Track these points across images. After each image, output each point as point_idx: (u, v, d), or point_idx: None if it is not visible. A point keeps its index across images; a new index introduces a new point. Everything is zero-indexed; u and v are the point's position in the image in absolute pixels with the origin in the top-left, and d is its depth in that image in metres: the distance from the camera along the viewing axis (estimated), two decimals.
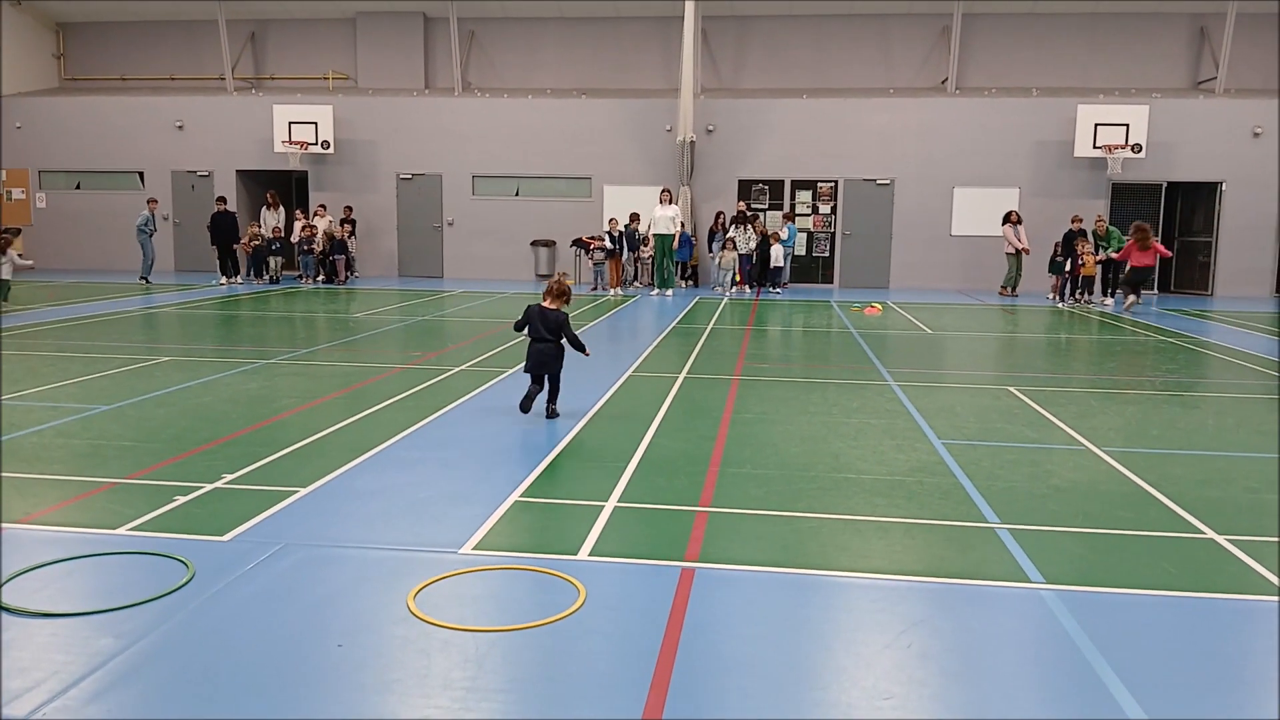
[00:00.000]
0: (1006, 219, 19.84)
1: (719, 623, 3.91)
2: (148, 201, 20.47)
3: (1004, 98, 21.55)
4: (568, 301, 7.67)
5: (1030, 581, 4.38)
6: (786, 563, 4.56)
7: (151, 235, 20.12)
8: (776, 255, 20.24)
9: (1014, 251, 19.74)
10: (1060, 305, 18.14)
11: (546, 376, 7.60)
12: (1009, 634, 3.88)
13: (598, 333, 13.14)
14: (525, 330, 7.66)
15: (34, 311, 14.62)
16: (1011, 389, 9.18)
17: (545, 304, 7.59)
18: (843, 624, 3.95)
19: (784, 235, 20.70)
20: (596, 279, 20.20)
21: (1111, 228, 18.75)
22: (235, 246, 20.55)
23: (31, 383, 8.75)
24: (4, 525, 4.89)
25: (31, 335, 12.00)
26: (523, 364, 7.94)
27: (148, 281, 19.91)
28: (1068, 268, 18.71)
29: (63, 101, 24.02)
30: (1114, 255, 18.19)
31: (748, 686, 3.39)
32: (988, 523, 5.21)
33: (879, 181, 21.70)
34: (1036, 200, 21.11)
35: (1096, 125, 20.43)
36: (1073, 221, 18.87)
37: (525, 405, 7.50)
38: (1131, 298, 17.30)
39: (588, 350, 7.96)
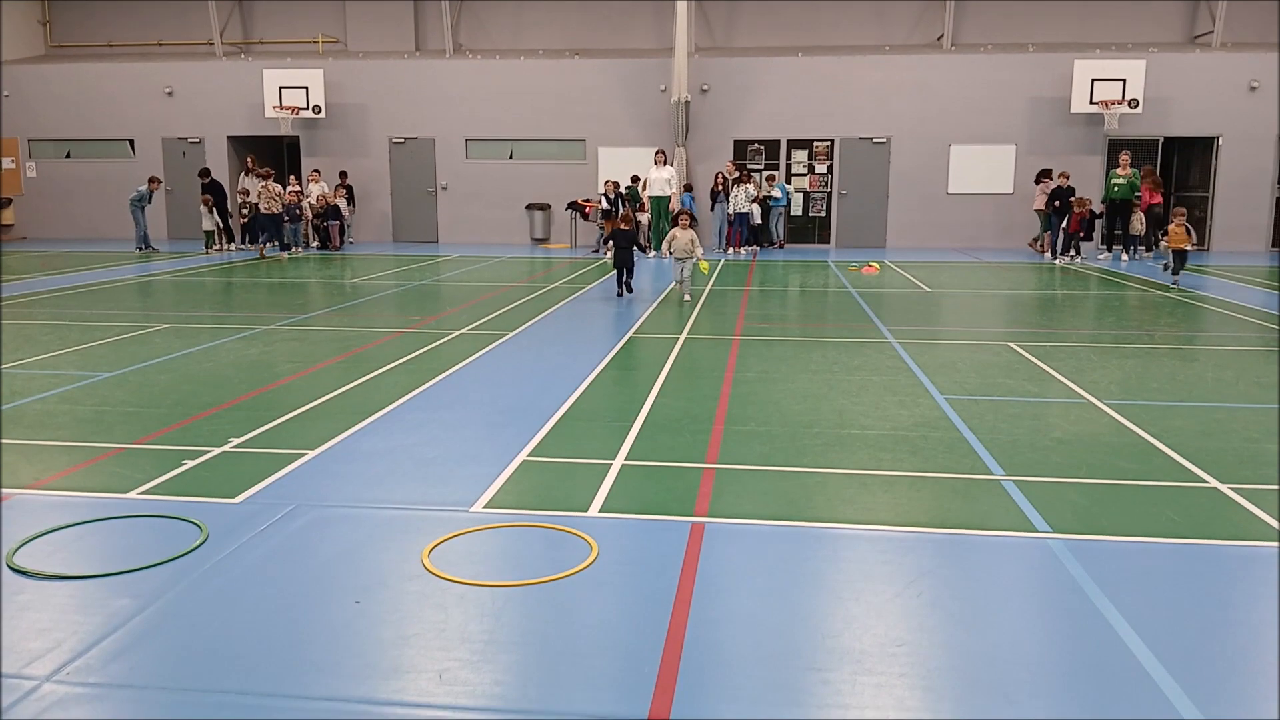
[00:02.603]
0: (1045, 175, 19.58)
1: (730, 576, 3.95)
2: (149, 180, 20.29)
3: (1000, 54, 21.39)
4: (635, 225, 14.54)
5: (1036, 531, 4.43)
6: (794, 516, 4.60)
7: (144, 208, 19.97)
8: (755, 215, 20.18)
9: (1044, 209, 19.64)
10: (1055, 262, 18.13)
11: (626, 269, 12.90)
12: (1017, 582, 3.93)
13: (595, 296, 13.12)
14: (610, 242, 13.51)
15: (29, 281, 14.56)
16: (1011, 344, 9.21)
17: (621, 226, 13.37)
18: (852, 575, 3.99)
19: (777, 194, 20.61)
20: (598, 242, 20.16)
21: (1134, 168, 18.56)
22: (228, 214, 20.45)
23: (31, 351, 8.74)
24: (12, 492, 4.91)
25: (28, 304, 11.96)
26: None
27: (142, 249, 19.81)
28: (1064, 224, 18.66)
29: (50, 69, 23.75)
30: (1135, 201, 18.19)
31: (762, 636, 3.43)
32: (992, 475, 5.25)
33: (874, 140, 21.60)
34: (1033, 157, 21.02)
35: (1093, 81, 20.32)
36: (1060, 177, 18.77)
37: (619, 291, 12.91)
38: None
39: (650, 253, 15.33)
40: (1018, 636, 3.46)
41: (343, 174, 21.79)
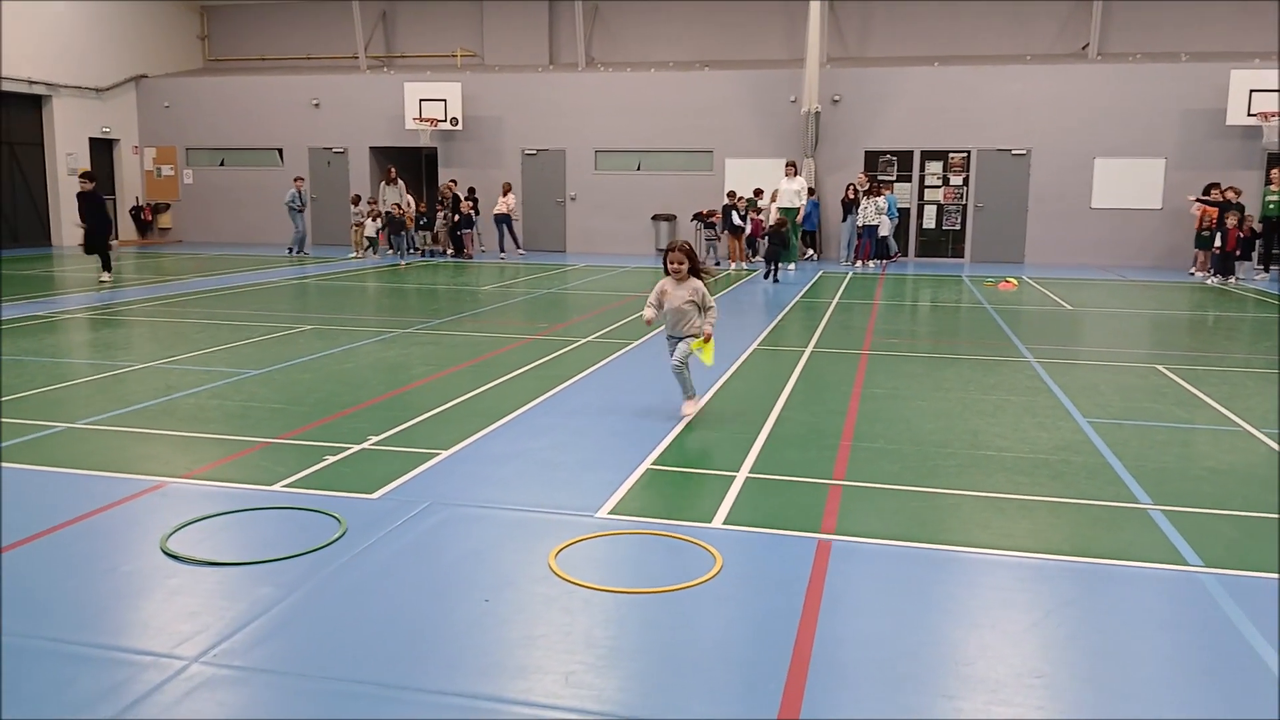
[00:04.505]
0: (1213, 189, 18.59)
1: (858, 595, 3.87)
2: (294, 180, 21.26)
3: (1150, 64, 20.47)
4: (772, 228, 17.10)
5: (1187, 564, 4.19)
6: (926, 538, 4.47)
7: (300, 211, 20.91)
8: (883, 227, 19.75)
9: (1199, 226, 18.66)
10: (1208, 281, 17.20)
11: (775, 262, 16.45)
12: (1165, 617, 3.72)
13: (720, 307, 13.08)
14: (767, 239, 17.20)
15: (184, 282, 15.41)
16: (1159, 367, 8.77)
17: (772, 228, 16.91)
18: (987, 601, 3.85)
19: (881, 205, 19.99)
20: (709, 253, 20.11)
21: None
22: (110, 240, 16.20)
23: (185, 348, 9.23)
24: (166, 480, 5.18)
25: (181, 304, 12.65)
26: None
27: (293, 253, 20.80)
28: (1216, 242, 17.70)
29: (207, 81, 25.14)
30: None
31: (891, 659, 3.34)
32: (1139, 503, 5.00)
33: (1014, 152, 20.94)
34: (1184, 172, 20.04)
35: (1251, 91, 19.22)
36: (1229, 191, 17.75)
37: (769, 276, 16.35)
38: None
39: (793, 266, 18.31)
40: (1165, 674, 3.28)
41: (470, 189, 22.21)
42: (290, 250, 20.96)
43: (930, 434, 6.33)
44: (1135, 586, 3.98)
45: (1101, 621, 3.66)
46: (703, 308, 6.67)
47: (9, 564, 4.06)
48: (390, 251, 20.96)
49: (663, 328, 6.94)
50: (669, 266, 6.67)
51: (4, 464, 5.44)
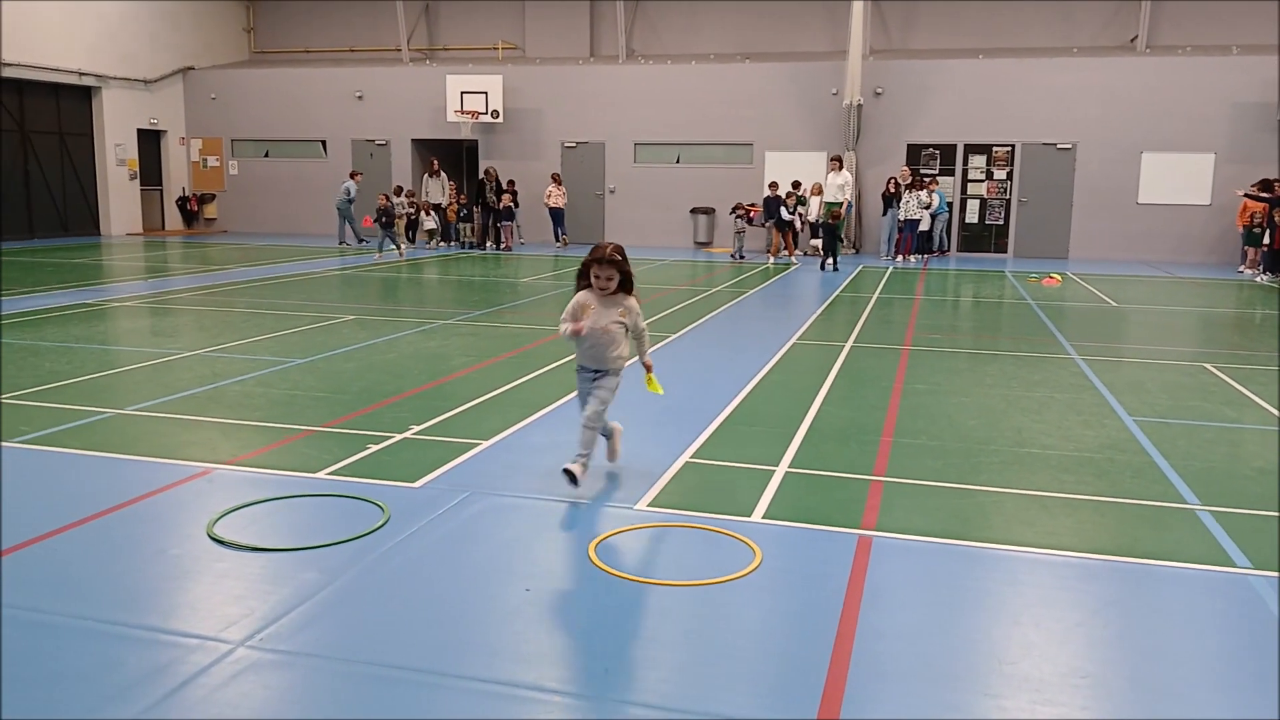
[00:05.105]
0: (1264, 186, 18.21)
1: (900, 592, 3.84)
2: (352, 174, 21.33)
3: (1199, 56, 20.08)
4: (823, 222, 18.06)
5: (1235, 566, 4.12)
6: (969, 536, 4.43)
7: (351, 203, 20.92)
8: (925, 222, 19.67)
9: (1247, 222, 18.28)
10: (1258, 279, 16.86)
11: (831, 253, 17.32)
12: (1213, 618, 3.67)
13: (759, 300, 13.05)
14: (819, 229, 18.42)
15: (229, 271, 15.62)
16: (1207, 365, 8.62)
17: (829, 221, 17.55)
18: (1031, 600, 3.81)
19: (934, 203, 19.88)
20: (738, 246, 19.87)
21: None
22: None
23: (232, 336, 9.36)
24: (214, 466, 5.27)
25: (227, 293, 12.83)
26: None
27: (354, 244, 21.00)
28: (1265, 239, 17.34)
29: (253, 74, 25.42)
30: None
31: (933, 656, 3.32)
32: (1185, 503, 4.92)
33: (1059, 146, 20.64)
34: (1233, 167, 19.63)
35: None
36: (1275, 187, 17.39)
37: (823, 266, 17.25)
38: None
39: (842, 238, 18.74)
40: (1212, 676, 3.23)
41: (510, 181, 22.19)
42: (363, 240, 21.13)
43: (973, 430, 6.27)
44: (1182, 587, 3.93)
45: (1148, 622, 3.62)
46: (634, 332, 5.15)
47: (59, 547, 4.15)
48: (378, 253, 19.70)
49: (580, 363, 5.25)
50: (595, 282, 5.07)
51: (54, 449, 5.56)
